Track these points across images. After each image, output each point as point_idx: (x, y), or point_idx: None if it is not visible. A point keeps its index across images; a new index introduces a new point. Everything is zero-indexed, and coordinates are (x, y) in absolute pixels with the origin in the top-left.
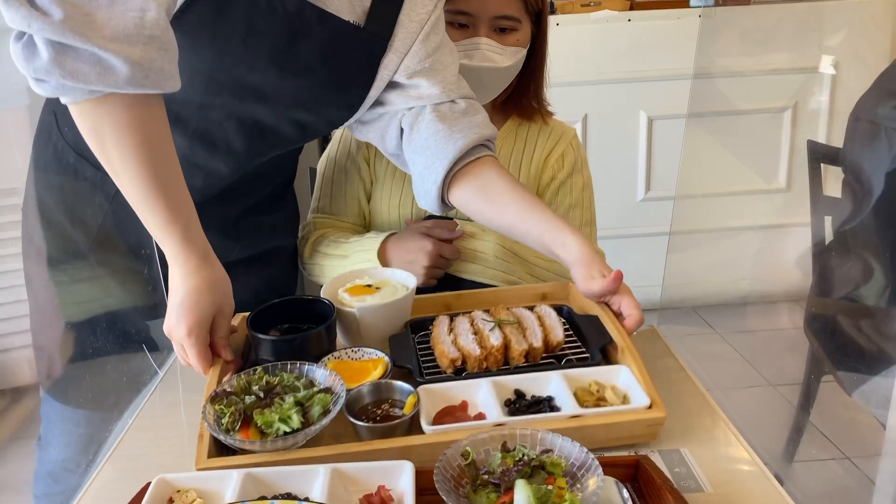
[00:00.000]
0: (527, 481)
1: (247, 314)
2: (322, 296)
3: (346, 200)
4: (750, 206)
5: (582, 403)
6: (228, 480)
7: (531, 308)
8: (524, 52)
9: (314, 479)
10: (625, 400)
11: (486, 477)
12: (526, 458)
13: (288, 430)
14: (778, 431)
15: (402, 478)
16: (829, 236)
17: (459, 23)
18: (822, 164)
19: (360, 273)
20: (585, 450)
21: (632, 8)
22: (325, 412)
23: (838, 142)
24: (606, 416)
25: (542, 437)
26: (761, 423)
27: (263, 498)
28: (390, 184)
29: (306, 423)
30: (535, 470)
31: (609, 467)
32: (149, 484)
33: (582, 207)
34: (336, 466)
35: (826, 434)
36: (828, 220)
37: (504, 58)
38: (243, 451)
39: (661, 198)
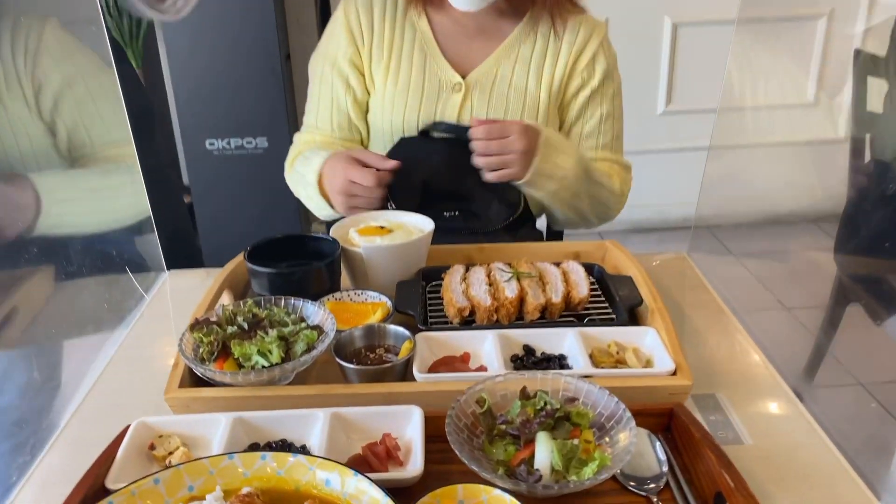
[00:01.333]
0: (549, 434)
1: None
2: (331, 234)
3: (331, 114)
4: (786, 120)
5: (598, 365)
6: (215, 426)
7: (557, 264)
8: None
9: (312, 425)
10: (647, 364)
11: (503, 427)
12: (549, 407)
13: (266, 364)
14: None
15: (409, 425)
16: (867, 156)
17: None
18: (867, 77)
19: (376, 214)
20: (615, 398)
21: None
22: (309, 349)
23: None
24: (623, 380)
25: (566, 382)
26: (796, 354)
27: (255, 446)
28: (392, 94)
29: (287, 360)
30: (559, 421)
31: (639, 416)
32: (128, 428)
33: (614, 118)
34: (336, 411)
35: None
36: (867, 138)
37: None
38: (218, 384)
39: (683, 111)
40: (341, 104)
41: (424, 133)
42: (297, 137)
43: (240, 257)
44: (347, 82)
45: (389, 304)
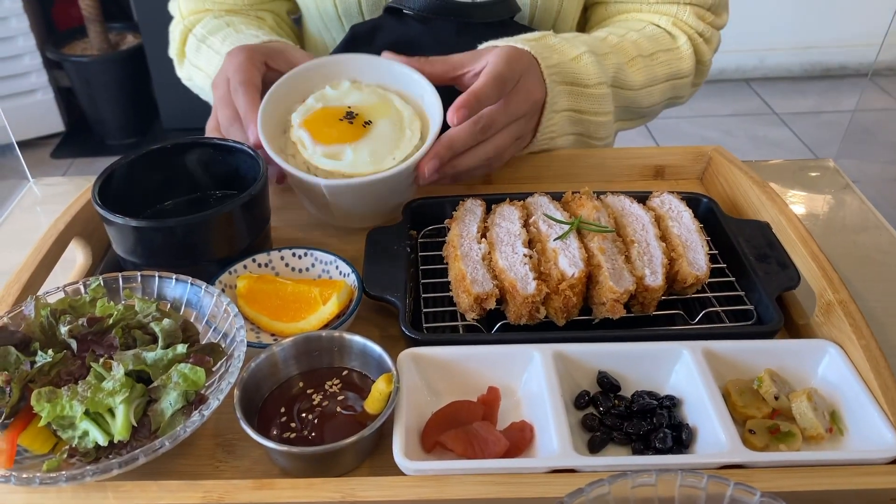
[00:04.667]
0: None
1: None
2: (260, 123)
3: None
4: None
5: (741, 418)
6: None
7: (642, 200)
8: None
9: None
10: (833, 423)
11: None
12: None
13: (101, 440)
14: None
15: None
16: None
17: None
18: None
19: (333, 73)
20: None
21: None
22: (191, 404)
23: None
24: (802, 475)
25: (692, 486)
26: None
27: None
28: None
29: (144, 429)
30: None
31: None
32: None
33: None
34: None
35: None
36: None
37: None
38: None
39: None
40: None
41: (391, 11)
42: (175, 7)
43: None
44: None
45: (353, 280)
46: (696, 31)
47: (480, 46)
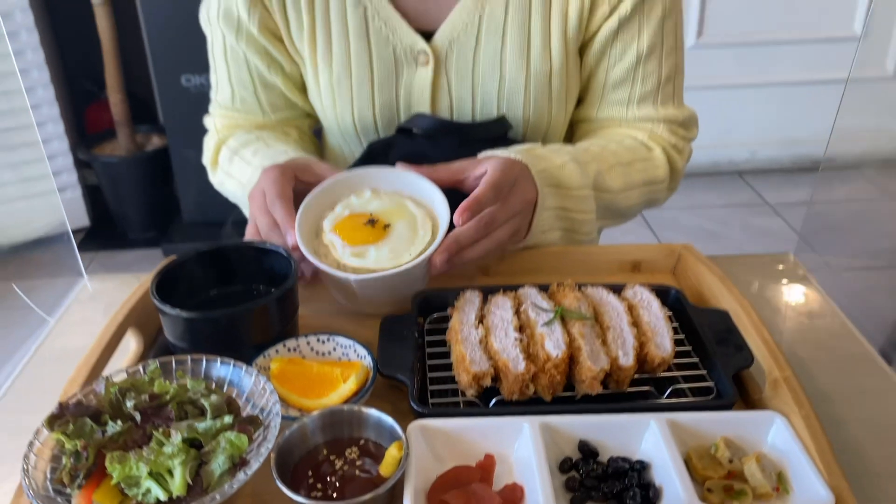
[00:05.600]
0: None
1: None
2: (297, 226)
3: (255, 93)
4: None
5: (700, 479)
6: None
7: (618, 290)
8: None
9: None
10: (780, 483)
11: None
12: None
13: (162, 497)
14: None
15: None
16: None
17: None
18: None
19: (356, 184)
20: None
21: None
22: (236, 466)
23: None
24: None
25: None
26: None
27: None
28: (328, 81)
29: (197, 486)
30: None
31: None
32: None
33: (662, 53)
34: None
35: None
36: None
37: None
38: None
39: (717, 45)
40: (269, 81)
41: (402, 131)
42: (211, 123)
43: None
44: (268, 54)
45: (369, 362)
46: (670, 143)
47: (479, 155)
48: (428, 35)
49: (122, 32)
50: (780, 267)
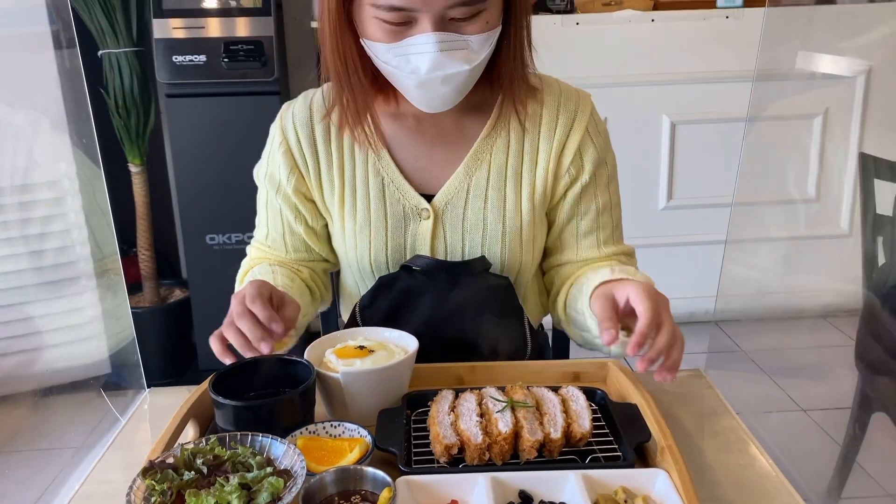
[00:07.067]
0: None
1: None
2: (305, 356)
3: (283, 237)
4: (792, 214)
5: None
6: None
7: (556, 389)
8: (496, 33)
9: None
10: None
11: None
12: None
13: None
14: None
15: None
16: (881, 258)
17: (395, 21)
18: (874, 179)
19: (356, 333)
20: None
21: (655, 7)
22: (274, 501)
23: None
24: None
25: None
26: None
27: None
28: (352, 230)
29: None
30: None
31: None
32: None
33: (612, 206)
34: None
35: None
36: (879, 241)
37: (471, 52)
38: None
39: (684, 206)
40: (294, 229)
41: (405, 268)
42: (249, 250)
43: (205, 384)
44: (297, 210)
45: (369, 439)
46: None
47: (598, 279)
48: (429, 197)
49: (153, 196)
50: (688, 374)
